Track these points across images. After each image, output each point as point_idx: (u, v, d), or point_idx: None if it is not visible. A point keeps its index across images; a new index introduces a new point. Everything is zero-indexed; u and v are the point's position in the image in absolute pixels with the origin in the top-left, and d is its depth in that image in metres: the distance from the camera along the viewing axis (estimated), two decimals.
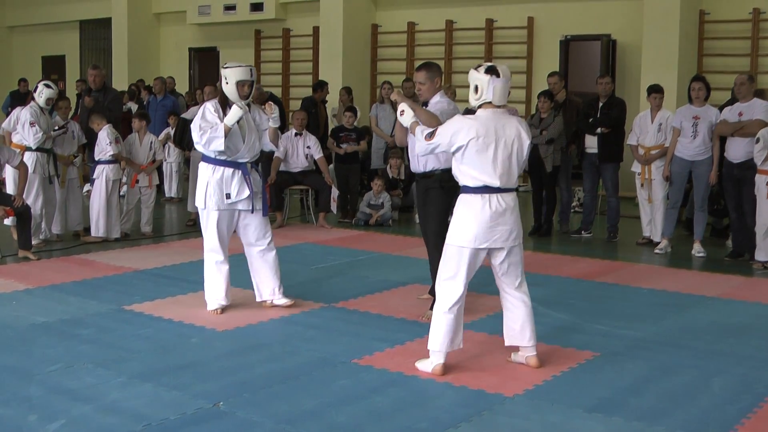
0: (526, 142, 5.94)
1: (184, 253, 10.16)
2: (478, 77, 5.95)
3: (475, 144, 5.76)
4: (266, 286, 7.63)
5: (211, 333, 6.85)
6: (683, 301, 8.14)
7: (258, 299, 7.68)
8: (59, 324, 7.08)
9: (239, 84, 7.33)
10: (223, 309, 7.46)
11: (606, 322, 7.22)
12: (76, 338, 6.65)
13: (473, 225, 5.79)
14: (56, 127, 10.74)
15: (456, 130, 5.83)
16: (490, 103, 5.93)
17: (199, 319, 7.22)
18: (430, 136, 5.98)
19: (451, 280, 5.93)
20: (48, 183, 10.58)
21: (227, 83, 7.38)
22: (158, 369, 5.94)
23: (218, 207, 7.38)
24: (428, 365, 5.89)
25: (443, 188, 7.23)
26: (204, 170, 7.44)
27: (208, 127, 7.26)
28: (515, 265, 6.00)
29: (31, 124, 10.41)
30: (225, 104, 7.41)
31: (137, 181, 11.48)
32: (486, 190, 5.80)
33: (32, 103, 10.59)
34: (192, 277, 8.79)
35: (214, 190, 7.35)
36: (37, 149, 10.41)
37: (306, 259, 9.96)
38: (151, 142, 11.57)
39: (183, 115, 12.88)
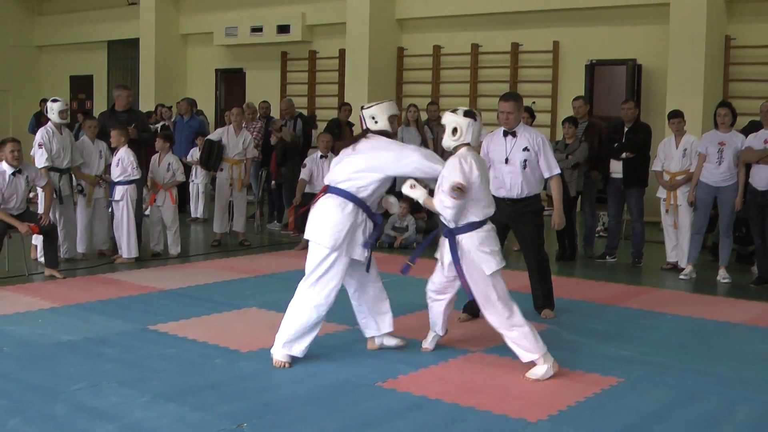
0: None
1: (208, 274, 10.21)
2: (457, 120, 6.37)
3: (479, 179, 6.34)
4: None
5: (235, 354, 6.86)
6: (708, 327, 8.10)
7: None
8: (84, 342, 7.12)
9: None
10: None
11: (630, 348, 7.20)
12: (101, 357, 6.69)
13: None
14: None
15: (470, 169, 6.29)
16: (467, 144, 6.40)
17: (223, 339, 7.25)
18: (456, 195, 6.26)
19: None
20: (59, 202, 10.63)
21: (377, 122, 6.77)
22: (182, 389, 5.96)
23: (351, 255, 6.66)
24: (543, 369, 6.28)
25: (535, 212, 8.19)
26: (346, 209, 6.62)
27: None
28: None
29: (39, 145, 10.52)
30: None
31: (155, 200, 11.51)
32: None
33: (48, 124, 10.69)
34: (216, 298, 8.86)
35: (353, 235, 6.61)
36: (51, 168, 10.49)
37: None
38: (170, 163, 11.58)
39: (209, 137, 12.96)
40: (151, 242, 11.54)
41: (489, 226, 6.48)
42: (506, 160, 8.03)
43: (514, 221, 8.15)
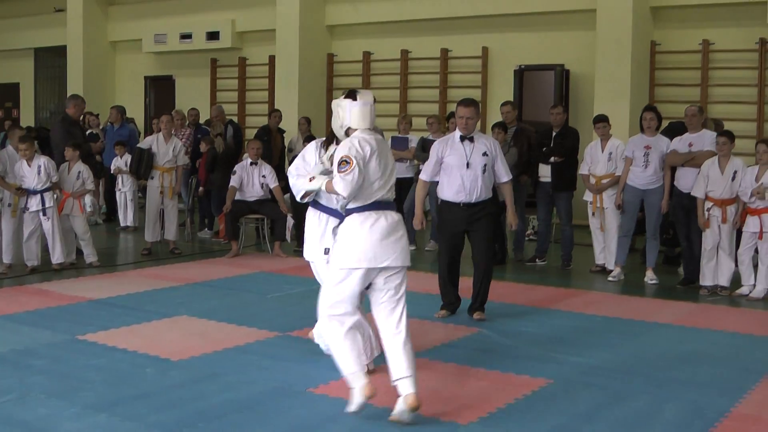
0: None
1: (139, 282, 10.12)
2: (339, 103, 5.89)
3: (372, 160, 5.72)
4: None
5: (166, 363, 6.81)
6: (636, 328, 8.23)
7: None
8: (12, 354, 7.01)
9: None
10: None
11: (560, 350, 7.28)
12: (29, 368, 6.59)
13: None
14: None
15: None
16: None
17: (153, 349, 7.18)
18: (344, 168, 5.63)
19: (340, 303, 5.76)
20: None
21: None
22: (113, 399, 5.90)
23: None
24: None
25: (492, 214, 8.44)
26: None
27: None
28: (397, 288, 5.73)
29: None
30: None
31: (62, 209, 11.24)
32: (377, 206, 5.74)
33: None
34: (147, 307, 8.78)
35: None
36: None
37: (261, 288, 9.95)
38: (80, 172, 11.34)
39: (139, 145, 12.85)
40: (64, 252, 11.24)
41: (384, 215, 5.73)
42: (467, 165, 8.16)
43: (470, 224, 8.30)
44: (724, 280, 9.79)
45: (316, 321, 8.12)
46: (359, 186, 5.62)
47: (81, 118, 12.13)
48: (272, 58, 19.28)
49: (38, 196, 10.71)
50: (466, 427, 5.43)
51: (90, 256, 11.35)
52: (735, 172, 9.65)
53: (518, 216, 11.79)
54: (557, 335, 7.83)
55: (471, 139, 8.24)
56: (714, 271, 9.83)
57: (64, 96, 21.69)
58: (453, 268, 8.58)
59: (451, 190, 8.29)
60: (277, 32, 18.66)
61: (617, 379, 6.51)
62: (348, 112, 5.82)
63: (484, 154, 8.21)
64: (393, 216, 5.77)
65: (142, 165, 12.30)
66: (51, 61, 24.08)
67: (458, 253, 8.57)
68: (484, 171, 8.19)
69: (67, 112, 12.16)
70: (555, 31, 16.32)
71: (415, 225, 8.49)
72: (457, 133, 8.32)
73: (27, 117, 23.90)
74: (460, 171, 8.19)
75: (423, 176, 8.60)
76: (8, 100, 25.41)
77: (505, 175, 8.38)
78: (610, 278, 10.64)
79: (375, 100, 5.92)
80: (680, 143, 10.23)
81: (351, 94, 5.85)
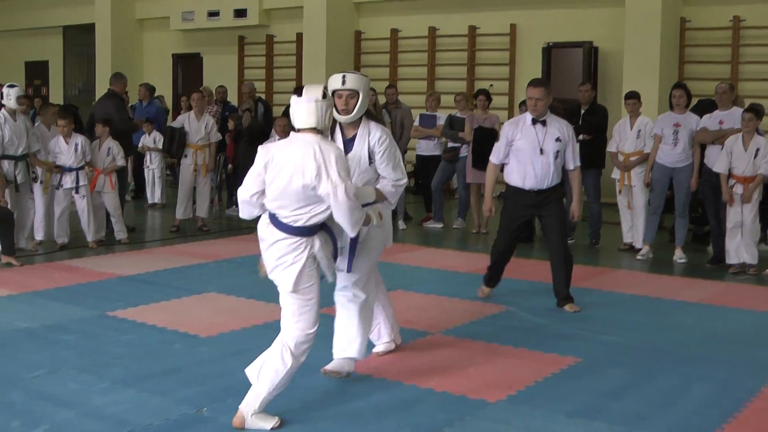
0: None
1: (167, 259, 10.17)
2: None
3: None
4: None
5: (195, 339, 6.85)
6: (664, 306, 8.20)
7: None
8: (42, 330, 7.07)
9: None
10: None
11: (588, 328, 7.27)
12: (59, 344, 6.65)
13: None
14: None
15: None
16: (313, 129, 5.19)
17: (182, 325, 7.23)
18: None
19: None
20: (15, 190, 10.46)
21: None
22: (141, 375, 5.94)
23: None
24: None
25: (561, 196, 8.18)
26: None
27: None
28: None
29: None
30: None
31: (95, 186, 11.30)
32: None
33: (1, 110, 10.47)
34: (175, 283, 8.84)
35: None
36: (3, 156, 10.33)
37: None
38: (110, 148, 11.38)
39: (171, 124, 12.89)
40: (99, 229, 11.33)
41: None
42: (541, 151, 7.70)
43: (539, 211, 7.96)
44: (749, 258, 9.72)
45: None
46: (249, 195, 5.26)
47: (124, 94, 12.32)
48: (299, 36, 19.27)
49: (73, 174, 10.76)
50: (494, 405, 5.43)
51: (120, 233, 11.41)
52: (758, 150, 9.55)
53: None
54: (585, 313, 7.81)
55: (543, 123, 7.75)
56: (738, 249, 9.76)
57: (93, 74, 21.87)
58: (508, 254, 8.25)
59: (520, 176, 7.84)
60: (305, 9, 18.64)
61: (645, 358, 6.49)
62: (292, 111, 5.20)
63: (558, 139, 7.73)
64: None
65: (174, 144, 12.34)
66: (79, 39, 24.16)
67: (517, 238, 8.36)
68: (556, 157, 7.74)
69: (113, 88, 12.25)
70: (583, 7, 16.20)
71: (485, 211, 8.26)
72: (528, 116, 7.82)
73: (56, 95, 24.04)
74: (532, 157, 7.73)
75: (493, 159, 8.06)
76: (37, 77, 25.54)
77: (572, 162, 7.90)
78: (638, 256, 10.59)
79: (326, 96, 5.20)
80: (710, 121, 10.15)
81: (297, 91, 5.20)
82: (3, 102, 10.59)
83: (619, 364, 6.33)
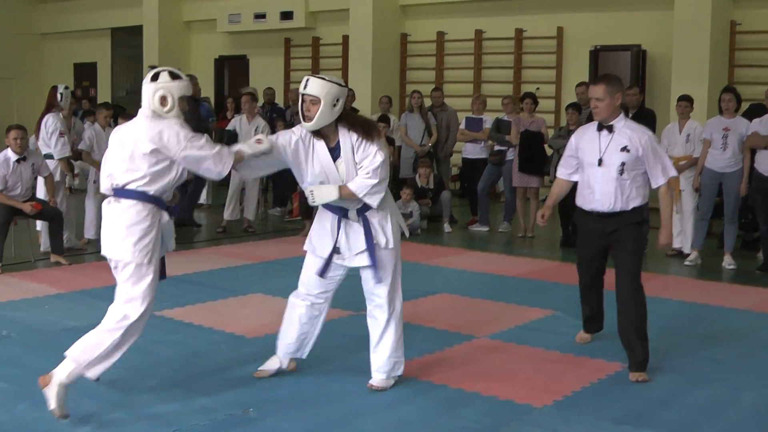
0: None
1: (213, 260, 10.23)
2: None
3: None
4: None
5: (240, 340, 6.88)
6: (713, 313, 8.11)
7: None
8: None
9: None
10: None
11: None
12: None
13: None
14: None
15: None
16: None
17: (228, 325, 7.26)
18: None
19: None
20: (69, 192, 10.63)
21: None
22: (188, 374, 5.98)
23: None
24: None
25: (637, 224, 6.37)
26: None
27: None
28: None
29: (61, 134, 10.50)
30: None
31: None
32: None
33: (59, 112, 10.64)
34: (221, 284, 8.89)
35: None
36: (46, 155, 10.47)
37: None
38: None
39: (226, 128, 12.97)
40: None
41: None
42: (599, 162, 6.26)
43: (610, 240, 6.38)
44: None
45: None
46: None
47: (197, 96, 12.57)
48: (345, 38, 19.30)
49: None
50: (541, 410, 5.40)
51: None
52: None
53: None
54: None
55: (610, 129, 6.28)
56: None
57: (140, 75, 21.97)
58: (595, 289, 6.86)
59: (582, 195, 6.47)
60: (351, 12, 18.67)
61: (693, 365, 6.43)
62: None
63: (624, 149, 6.19)
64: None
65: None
66: (127, 41, 24.38)
67: (598, 276, 6.77)
68: (621, 171, 6.20)
69: None
70: (631, 10, 16.10)
71: (538, 219, 6.86)
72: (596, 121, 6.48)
73: (104, 96, 24.25)
74: (591, 169, 6.32)
75: (559, 173, 6.76)
76: (86, 79, 25.81)
77: (655, 177, 6.29)
78: (686, 262, 10.49)
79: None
80: (761, 125, 10.02)
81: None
82: (61, 103, 10.76)
83: (667, 370, 6.26)
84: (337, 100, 5.52)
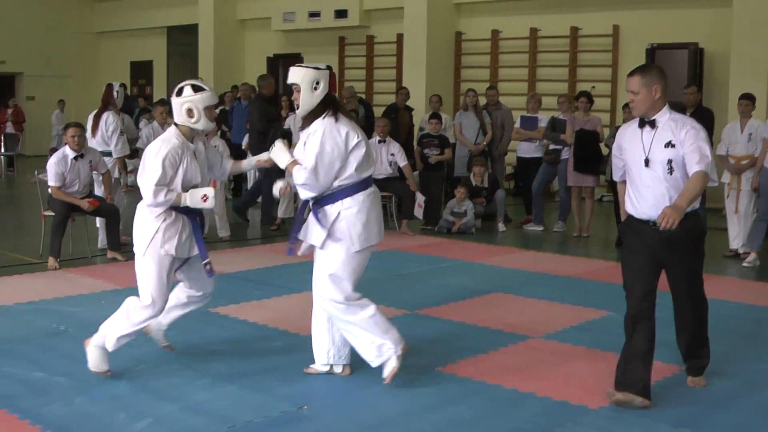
0: None
1: (268, 257, 10.27)
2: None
3: None
4: None
5: (294, 337, 6.89)
6: None
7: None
8: None
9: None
10: None
11: None
12: None
13: None
14: None
15: None
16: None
17: (282, 323, 7.29)
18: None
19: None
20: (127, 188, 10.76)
21: None
22: (242, 371, 6.01)
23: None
24: None
25: (697, 238, 5.67)
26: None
27: None
28: None
29: (121, 132, 10.62)
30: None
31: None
32: None
33: (115, 111, 10.76)
34: (275, 281, 8.93)
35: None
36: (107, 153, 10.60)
37: (388, 265, 9.96)
38: (216, 146, 11.50)
39: (283, 127, 13.05)
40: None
41: None
42: (646, 162, 5.46)
43: (664, 253, 5.54)
44: None
45: (444, 299, 8.16)
46: None
47: (274, 96, 12.80)
48: (400, 37, 19.31)
49: None
50: (596, 412, 5.35)
51: (222, 230, 11.58)
52: None
53: None
54: None
55: (652, 124, 5.49)
56: None
57: (196, 73, 22.20)
58: (639, 331, 5.56)
59: (630, 200, 5.64)
60: (405, 10, 18.67)
61: (752, 368, 6.33)
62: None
63: (669, 144, 5.38)
64: None
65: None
66: (183, 39, 24.61)
67: (651, 302, 5.60)
68: (670, 170, 5.38)
69: (262, 91, 12.68)
70: (688, 8, 15.91)
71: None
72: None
73: (159, 94, 24.47)
74: (637, 170, 5.52)
75: (615, 177, 5.97)
76: (142, 77, 26.10)
77: (691, 164, 5.33)
78: (744, 264, 10.34)
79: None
80: None
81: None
82: (117, 101, 10.89)
83: (725, 373, 6.17)
84: (317, 83, 5.70)
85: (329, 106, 5.74)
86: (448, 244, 11.58)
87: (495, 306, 8.08)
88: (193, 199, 5.84)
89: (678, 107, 10.90)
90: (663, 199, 5.38)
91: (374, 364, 5.74)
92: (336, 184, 5.65)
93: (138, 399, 5.44)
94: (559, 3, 17.42)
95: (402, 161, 12.30)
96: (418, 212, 12.14)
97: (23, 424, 5.03)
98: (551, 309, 7.98)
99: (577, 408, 5.41)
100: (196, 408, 5.31)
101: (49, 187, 9.79)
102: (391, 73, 19.90)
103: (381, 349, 5.69)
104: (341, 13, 20.29)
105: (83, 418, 5.13)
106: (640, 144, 5.50)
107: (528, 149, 13.34)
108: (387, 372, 5.70)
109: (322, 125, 5.65)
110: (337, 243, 5.67)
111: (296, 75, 5.75)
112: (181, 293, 6.26)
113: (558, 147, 12.46)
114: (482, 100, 14.30)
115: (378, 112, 15.63)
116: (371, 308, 5.72)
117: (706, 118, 11.05)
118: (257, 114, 12.58)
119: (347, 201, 5.66)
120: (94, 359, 5.86)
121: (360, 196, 5.69)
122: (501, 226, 12.78)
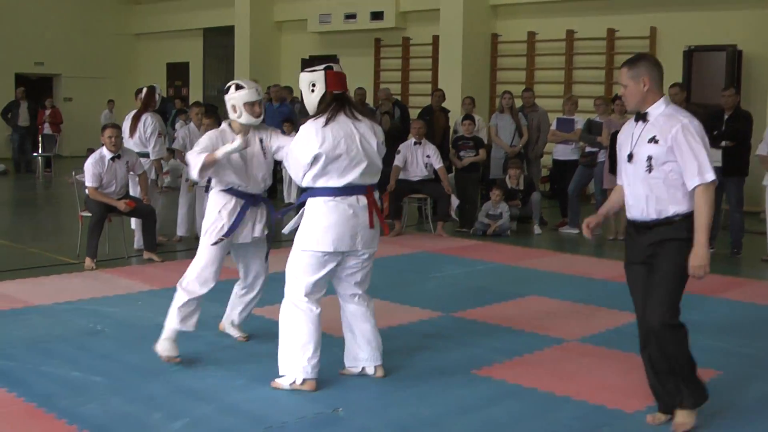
0: None
1: None
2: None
3: None
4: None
5: (329, 339, 6.88)
6: None
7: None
8: None
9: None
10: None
11: (729, 340, 7.06)
12: (198, 339, 6.76)
13: None
14: None
15: None
16: None
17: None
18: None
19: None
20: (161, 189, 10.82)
21: None
22: (278, 373, 5.99)
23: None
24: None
25: (681, 241, 4.96)
26: None
27: None
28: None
29: (159, 134, 10.70)
30: None
31: None
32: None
33: (153, 113, 10.85)
34: None
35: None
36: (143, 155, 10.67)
37: (423, 267, 9.97)
38: None
39: None
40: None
41: None
42: (629, 157, 5.09)
43: (645, 259, 5.16)
44: None
45: (479, 301, 8.15)
46: None
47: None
48: (436, 38, 19.29)
49: None
50: (632, 416, 5.32)
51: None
52: None
53: None
54: (725, 325, 7.59)
55: (644, 118, 5.07)
56: None
57: (232, 75, 22.31)
58: (646, 350, 5.25)
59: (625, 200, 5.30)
60: (441, 12, 18.64)
61: None
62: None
63: (653, 140, 4.96)
64: None
65: None
66: (219, 41, 24.72)
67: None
68: (649, 168, 4.96)
69: None
70: (727, 9, 15.78)
71: (584, 232, 5.91)
72: None
73: (196, 95, 24.64)
74: (624, 167, 5.18)
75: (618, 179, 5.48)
76: (178, 78, 26.25)
77: (689, 176, 4.87)
78: None
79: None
80: None
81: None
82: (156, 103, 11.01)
83: (762, 378, 6.12)
84: (314, 85, 5.94)
85: (331, 104, 5.82)
86: (483, 246, 11.55)
87: (530, 309, 8.05)
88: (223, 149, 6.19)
89: (716, 110, 10.90)
90: (639, 199, 5.02)
91: (281, 372, 5.76)
92: (318, 184, 5.74)
93: (174, 399, 5.47)
94: (595, 5, 17.33)
95: (437, 163, 12.30)
96: (453, 214, 12.15)
97: (60, 423, 5.07)
98: (586, 312, 7.94)
99: (613, 412, 5.38)
100: (231, 409, 5.33)
101: (86, 187, 9.87)
102: (426, 75, 19.89)
103: (295, 363, 5.71)
104: (377, 15, 20.31)
105: (119, 418, 5.17)
106: (630, 138, 5.13)
107: (564, 152, 13.29)
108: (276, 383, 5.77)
109: (306, 125, 5.79)
110: (297, 238, 5.97)
111: (299, 82, 6.10)
112: (236, 288, 6.97)
113: (594, 149, 12.40)
114: (518, 102, 14.26)
115: (413, 113, 15.62)
116: (311, 317, 5.94)
117: (744, 121, 11.00)
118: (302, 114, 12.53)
119: (317, 201, 5.78)
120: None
121: (331, 201, 5.71)
122: (536, 229, 12.74)
